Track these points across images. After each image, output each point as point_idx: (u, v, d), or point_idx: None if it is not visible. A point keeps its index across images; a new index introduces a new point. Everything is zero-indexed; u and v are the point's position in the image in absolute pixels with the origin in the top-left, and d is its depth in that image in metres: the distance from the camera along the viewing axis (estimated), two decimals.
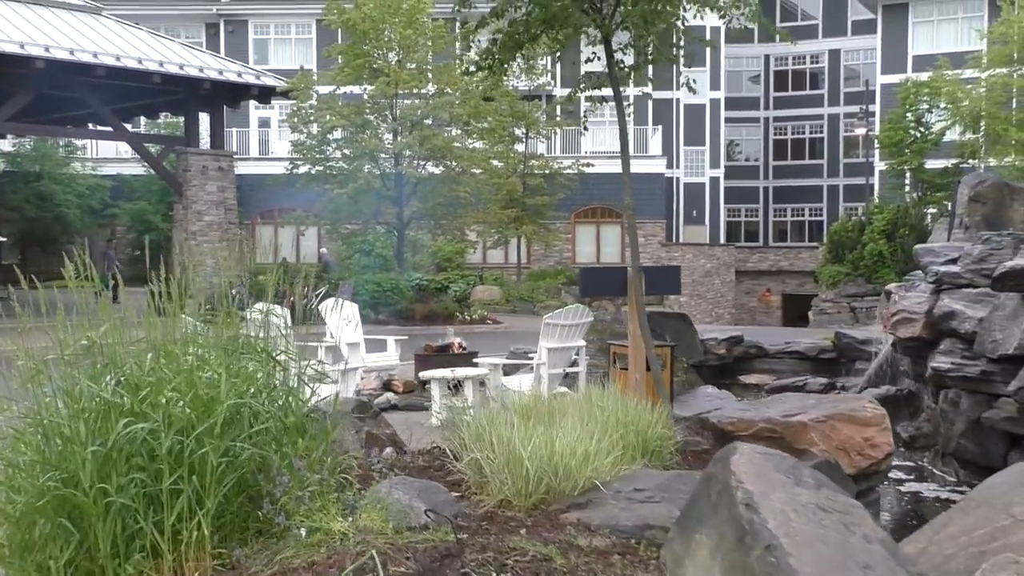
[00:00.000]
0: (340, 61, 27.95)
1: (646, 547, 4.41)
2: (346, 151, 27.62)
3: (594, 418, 6.03)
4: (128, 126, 28.94)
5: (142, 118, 33.94)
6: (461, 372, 9.71)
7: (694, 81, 8.69)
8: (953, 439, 8.46)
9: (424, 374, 9.89)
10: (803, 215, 50.84)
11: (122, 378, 4.45)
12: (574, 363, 10.21)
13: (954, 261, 9.39)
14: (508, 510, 5.07)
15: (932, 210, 35.55)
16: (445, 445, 7.31)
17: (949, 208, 11.34)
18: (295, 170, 28.70)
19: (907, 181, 37.35)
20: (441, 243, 33.92)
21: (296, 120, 28.21)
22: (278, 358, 5.28)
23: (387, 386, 11.52)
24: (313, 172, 28.12)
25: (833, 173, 49.77)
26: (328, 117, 26.91)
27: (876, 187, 42.44)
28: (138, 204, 38.04)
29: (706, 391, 9.54)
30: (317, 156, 28.02)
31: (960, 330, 8.41)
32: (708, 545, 3.66)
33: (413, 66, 27.97)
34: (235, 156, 28.75)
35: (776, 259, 48.99)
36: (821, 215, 50.11)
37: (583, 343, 10.12)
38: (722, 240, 46.20)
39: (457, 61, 28.61)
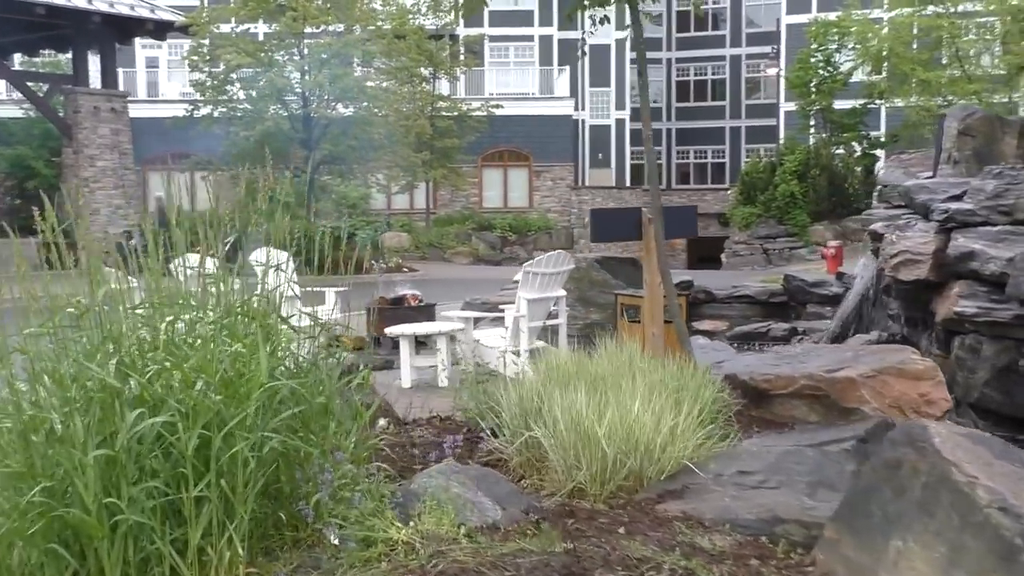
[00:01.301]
0: None
1: (785, 548, 3.63)
2: (251, 91, 26.06)
3: (646, 383, 5.22)
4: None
5: (16, 56, 31.50)
6: (433, 327, 8.80)
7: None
8: (975, 388, 7.92)
9: (392, 330, 8.92)
10: (706, 157, 50.74)
11: (123, 355, 3.43)
12: (552, 315, 9.38)
13: (959, 198, 8.80)
14: (582, 500, 4.24)
15: (840, 150, 35.70)
16: (447, 413, 6.45)
17: (935, 143, 10.77)
18: (195, 112, 27.00)
19: (812, 122, 37.40)
20: (346, 188, 32.62)
21: (196, 58, 26.48)
22: (293, 322, 4.34)
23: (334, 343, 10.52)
24: (216, 114, 26.48)
25: (735, 115, 49.66)
26: (231, 55, 25.27)
27: (782, 128, 42.46)
28: (17, 149, 35.54)
29: (698, 342, 8.84)
30: (220, 97, 26.37)
31: (984, 271, 7.82)
32: (926, 557, 2.88)
33: (320, 1, 26.46)
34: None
35: (681, 201, 48.73)
36: (724, 157, 50.09)
37: (563, 293, 9.29)
38: (627, 183, 45.77)
39: None
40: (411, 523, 3.75)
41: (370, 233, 29.39)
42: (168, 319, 3.68)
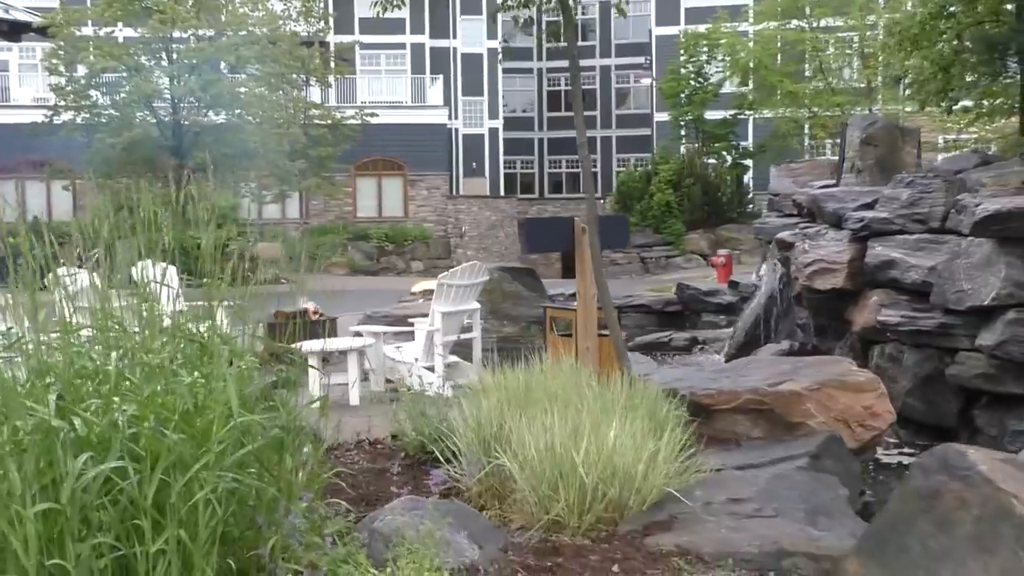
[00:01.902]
0: None
1: None
2: (117, 97, 24.89)
3: (599, 402, 4.94)
4: None
5: None
6: (346, 343, 8.36)
7: (626, 3, 7.34)
8: (896, 398, 7.90)
9: (304, 346, 8.42)
10: (577, 167, 51.00)
11: (64, 389, 2.95)
12: (466, 328, 9.03)
13: (870, 206, 8.84)
14: (561, 533, 3.91)
15: (712, 160, 36.35)
16: (375, 436, 6.04)
17: (839, 151, 10.85)
18: (54, 118, 25.63)
19: (684, 132, 37.98)
20: (218, 197, 31.48)
21: (55, 61, 25.14)
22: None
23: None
24: (79, 120, 25.19)
25: (606, 125, 50.12)
26: (94, 57, 24.08)
27: (654, 138, 43.03)
28: None
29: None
30: (82, 103, 25.10)
31: (904, 280, 7.84)
32: None
33: (190, 4, 25.48)
34: None
35: (555, 211, 48.81)
36: (595, 167, 50.44)
37: (478, 305, 8.96)
38: (502, 192, 45.67)
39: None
40: (387, 568, 3.36)
41: (242, 244, 28.45)
42: (113, 345, 3.21)
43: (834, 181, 13.24)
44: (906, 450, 7.68)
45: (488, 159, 45.80)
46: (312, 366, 8.61)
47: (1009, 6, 16.03)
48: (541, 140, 51.36)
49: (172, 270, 12.48)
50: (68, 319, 3.49)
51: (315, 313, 10.57)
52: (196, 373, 3.16)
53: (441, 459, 4.81)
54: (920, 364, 7.66)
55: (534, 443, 4.10)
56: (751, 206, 35.85)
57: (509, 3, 7.18)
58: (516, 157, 50.29)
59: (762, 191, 38.80)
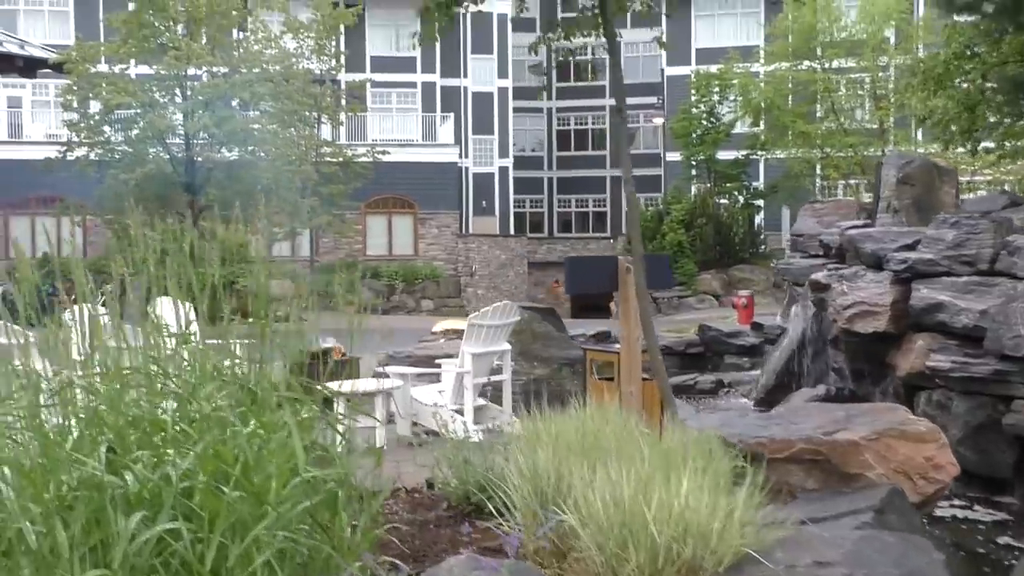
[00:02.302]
0: (124, 32, 25.03)
1: None
2: (131, 133, 24.82)
3: (657, 453, 4.67)
4: None
5: None
6: (373, 384, 8.11)
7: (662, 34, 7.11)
8: None
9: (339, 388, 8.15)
10: (587, 206, 51.01)
11: (115, 440, 2.70)
12: (496, 370, 8.77)
13: (912, 247, 8.59)
14: None
15: (724, 200, 36.22)
16: (403, 481, 5.77)
17: (874, 191, 10.62)
18: (68, 154, 25.55)
19: (694, 172, 37.90)
20: (224, 235, 31.37)
21: (70, 97, 25.09)
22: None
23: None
24: (92, 156, 25.10)
25: (616, 164, 50.07)
26: (109, 94, 24.02)
27: (663, 178, 42.95)
28: None
29: None
30: (96, 138, 25.03)
31: (954, 324, 7.58)
32: None
33: (204, 41, 25.46)
34: None
35: (564, 250, 48.69)
36: (605, 206, 50.45)
37: (508, 346, 8.70)
38: (511, 231, 45.56)
39: (251, 35, 26.38)
40: None
41: (253, 282, 28.26)
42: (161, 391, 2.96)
43: (861, 221, 13.01)
44: (957, 502, 7.38)
45: (498, 198, 45.74)
46: (351, 410, 8.38)
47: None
48: (550, 179, 51.37)
49: (189, 307, 12.27)
50: (112, 362, 3.25)
51: (338, 352, 10.32)
52: (253, 423, 2.90)
53: (485, 511, 4.55)
54: (972, 412, 7.37)
55: (599, 496, 3.83)
56: (763, 247, 35.67)
57: (550, 36, 6.98)
58: (525, 196, 50.24)
59: (774, 231, 38.68)
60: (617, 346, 7.21)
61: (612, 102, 50.29)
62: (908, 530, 5.34)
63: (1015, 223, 8.02)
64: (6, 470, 2.63)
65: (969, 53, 15.88)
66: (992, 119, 15.93)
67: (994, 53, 15.70)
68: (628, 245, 26.91)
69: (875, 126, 34.67)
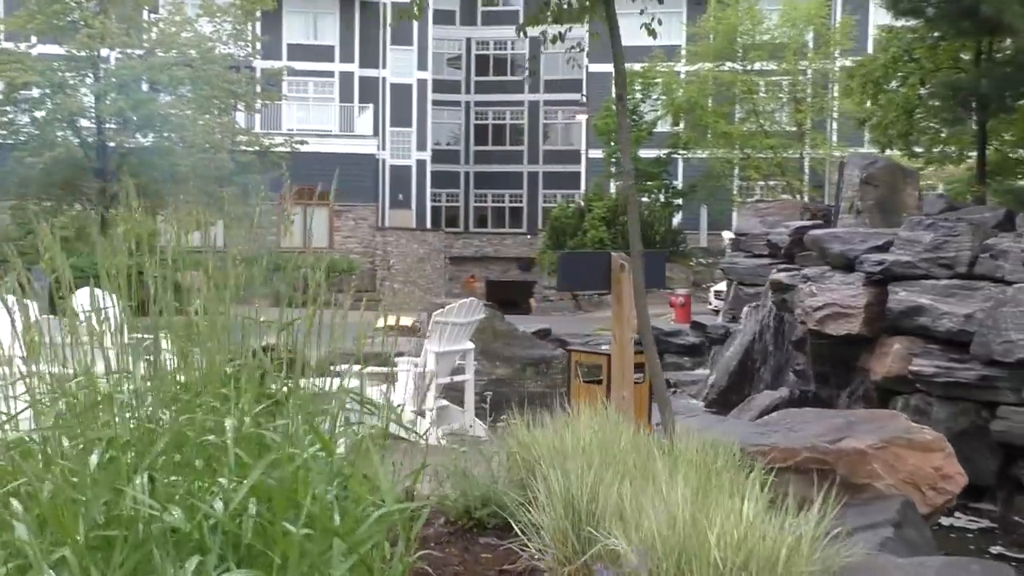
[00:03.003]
0: (31, 6, 23.75)
1: None
2: (38, 114, 23.66)
3: (688, 465, 4.34)
4: None
5: None
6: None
7: (659, 23, 6.80)
8: None
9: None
10: (504, 201, 50.68)
11: (157, 468, 2.24)
12: (458, 369, 8.37)
13: (883, 248, 8.44)
14: None
15: (645, 198, 36.24)
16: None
17: (837, 192, 10.47)
18: None
19: (613, 169, 37.86)
20: (133, 225, 30.23)
21: None
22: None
23: None
24: None
25: (534, 160, 49.93)
26: (14, 72, 22.81)
27: (583, 175, 42.89)
28: None
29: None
30: (1, 120, 23.81)
31: (937, 328, 7.42)
32: None
33: (115, 20, 24.32)
34: None
35: (480, 245, 48.49)
36: (521, 202, 50.19)
37: (472, 345, 8.30)
38: (428, 224, 44.98)
39: (169, 17, 25.38)
40: None
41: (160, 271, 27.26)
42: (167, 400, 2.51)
43: (809, 221, 12.93)
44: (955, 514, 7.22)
45: (415, 191, 45.11)
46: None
47: (965, 55, 16.09)
48: (467, 174, 50.92)
49: (112, 298, 11.62)
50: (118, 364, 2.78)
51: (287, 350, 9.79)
52: (316, 445, 2.47)
53: (489, 527, 4.18)
54: (954, 418, 7.23)
55: (653, 517, 3.47)
56: (684, 246, 35.81)
57: (540, 17, 6.59)
58: (442, 190, 49.67)
59: (692, 230, 38.90)
60: (604, 347, 6.88)
61: (532, 97, 50.25)
62: (923, 544, 5.11)
63: (991, 226, 7.91)
64: (16, 504, 2.14)
65: (907, 58, 15.97)
66: (929, 124, 16.05)
67: (931, 58, 15.83)
68: (549, 241, 26.60)
69: (794, 128, 35.11)
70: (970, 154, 17.49)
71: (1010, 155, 17.97)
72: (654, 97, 36.02)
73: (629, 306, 5.98)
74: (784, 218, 14.20)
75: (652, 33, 6.94)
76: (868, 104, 16.87)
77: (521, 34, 6.92)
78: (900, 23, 16.25)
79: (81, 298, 10.54)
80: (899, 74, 16.06)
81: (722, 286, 25.91)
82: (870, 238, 8.78)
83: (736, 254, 14.42)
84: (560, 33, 6.67)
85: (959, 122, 16.23)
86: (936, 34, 14.87)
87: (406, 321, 14.38)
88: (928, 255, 7.82)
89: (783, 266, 11.47)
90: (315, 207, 38.75)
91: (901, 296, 7.78)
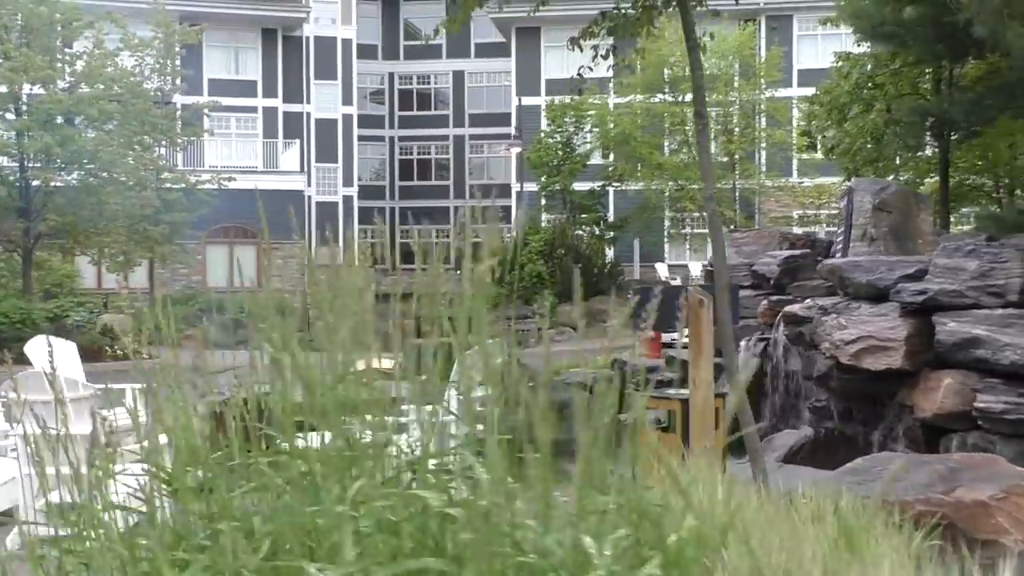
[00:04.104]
0: None
1: None
2: None
3: (855, 529, 3.78)
4: None
5: None
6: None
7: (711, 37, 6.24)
8: None
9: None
10: (430, 237, 49.96)
11: None
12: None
13: (915, 277, 8.04)
14: None
15: (582, 232, 35.97)
16: None
17: (844, 218, 10.09)
18: None
19: (543, 202, 37.61)
20: (51, 265, 28.95)
21: None
22: None
23: None
24: None
25: (460, 195, 49.39)
26: None
27: (513, 209, 42.48)
28: None
29: None
30: None
31: (1000, 361, 7.00)
32: None
33: (38, 52, 23.21)
34: None
35: (411, 282, 47.61)
36: (449, 237, 49.56)
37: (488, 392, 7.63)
38: (355, 262, 44.02)
39: (92, 51, 24.32)
40: None
41: (84, 315, 26.02)
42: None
43: (798, 251, 12.62)
44: None
45: (343, 227, 44.17)
46: None
47: (923, 84, 16.07)
48: (392, 209, 50.18)
49: (70, 345, 10.61)
50: None
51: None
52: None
53: None
54: (1021, 457, 6.80)
55: None
56: (621, 278, 35.54)
57: (593, 29, 6.06)
58: (366, 226, 48.76)
59: (627, 263, 38.67)
60: (676, 391, 6.31)
61: (457, 132, 49.78)
62: None
63: None
64: None
65: (871, 84, 15.87)
66: (894, 150, 15.95)
67: (894, 84, 15.74)
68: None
69: (725, 159, 35.22)
70: (925, 180, 17.49)
71: (965, 182, 18.00)
72: (586, 129, 35.81)
73: (708, 346, 5.43)
74: (761, 248, 13.82)
75: (702, 49, 6.40)
76: (830, 132, 16.73)
77: (576, 47, 6.34)
78: (861, 49, 16.18)
79: (35, 348, 9.48)
80: (862, 100, 15.93)
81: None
82: (898, 266, 8.38)
83: (711, 285, 13.92)
84: (613, 47, 6.15)
85: (921, 148, 16.18)
86: (905, 59, 14.74)
87: (388, 364, 13.64)
88: (975, 283, 7.44)
89: (777, 298, 11.08)
90: (242, 245, 37.74)
91: (952, 328, 7.37)
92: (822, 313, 8.78)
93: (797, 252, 12.35)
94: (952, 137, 15.15)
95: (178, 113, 35.44)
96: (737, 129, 36.06)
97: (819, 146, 19.37)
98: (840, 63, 16.96)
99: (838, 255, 9.99)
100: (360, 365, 8.95)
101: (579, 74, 6.56)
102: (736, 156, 35.33)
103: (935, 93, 15.35)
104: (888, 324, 7.90)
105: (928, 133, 15.13)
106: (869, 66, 16.11)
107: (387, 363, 9.37)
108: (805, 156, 35.06)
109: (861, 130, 15.40)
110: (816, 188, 34.45)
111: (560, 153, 35.45)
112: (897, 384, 7.91)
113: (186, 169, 33.25)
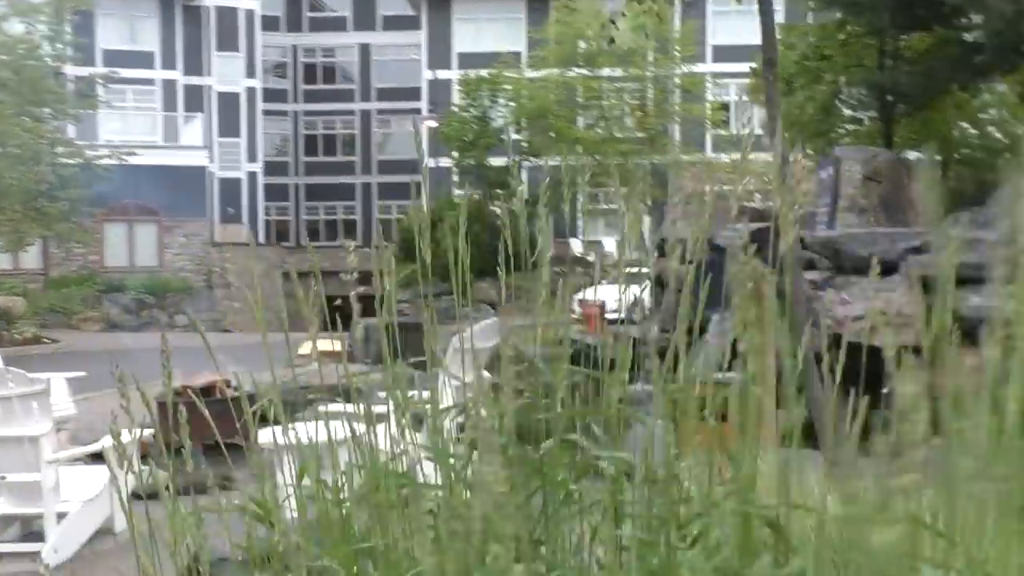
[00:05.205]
0: None
1: None
2: None
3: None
4: None
5: None
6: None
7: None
8: None
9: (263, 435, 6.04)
10: (336, 214, 48.75)
11: None
12: None
13: (923, 250, 7.57)
14: None
15: (497, 208, 35.28)
16: None
17: (831, 190, 9.61)
18: None
19: (455, 178, 36.87)
20: None
21: None
22: None
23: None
24: None
25: (367, 171, 48.25)
26: None
27: (425, 184, 41.49)
28: None
29: None
30: None
31: None
32: None
33: None
34: None
35: (318, 259, 46.29)
36: (355, 214, 48.41)
37: (487, 375, 6.93)
38: (260, 239, 42.62)
39: None
40: None
41: None
42: None
43: (759, 224, 12.11)
44: None
45: (246, 204, 42.70)
46: None
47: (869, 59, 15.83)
48: (297, 186, 48.74)
49: None
50: None
51: (223, 385, 8.06)
52: None
53: None
54: None
55: None
56: (541, 253, 35.03)
57: None
58: (271, 203, 47.26)
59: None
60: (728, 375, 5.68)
61: (364, 106, 48.51)
62: None
63: None
64: None
65: (818, 56, 15.55)
66: (846, 115, 15.71)
67: (843, 56, 15.45)
68: (400, 253, 25.63)
69: (642, 134, 34.94)
70: None
71: (904, 155, 17.88)
72: (501, 103, 35.11)
73: (770, 327, 4.81)
74: (716, 221, 13.29)
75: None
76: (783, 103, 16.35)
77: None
78: (809, 20, 15.83)
79: None
80: (809, 72, 15.59)
81: (588, 294, 25.22)
82: (899, 238, 7.93)
83: (662, 260, 13.41)
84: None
85: (868, 121, 15.96)
86: (853, 30, 14.42)
87: (325, 345, 12.75)
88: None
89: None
90: (142, 223, 36.11)
91: (975, 303, 6.89)
92: (815, 288, 8.28)
93: (763, 225, 11.85)
94: (896, 109, 14.92)
95: (70, 85, 33.67)
96: (651, 104, 35.81)
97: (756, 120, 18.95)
98: (787, 35, 16.60)
99: (821, 227, 9.50)
100: (305, 348, 7.89)
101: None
102: (652, 131, 35.06)
103: (879, 67, 15.09)
104: (898, 299, 7.42)
105: (880, 104, 14.86)
106: (814, 39, 15.77)
107: (335, 344, 8.11)
108: (723, 132, 35.01)
109: (809, 101, 15.03)
110: (732, 164, 34.42)
111: (475, 128, 34.67)
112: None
113: (83, 144, 31.54)
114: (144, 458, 7.09)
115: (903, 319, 7.14)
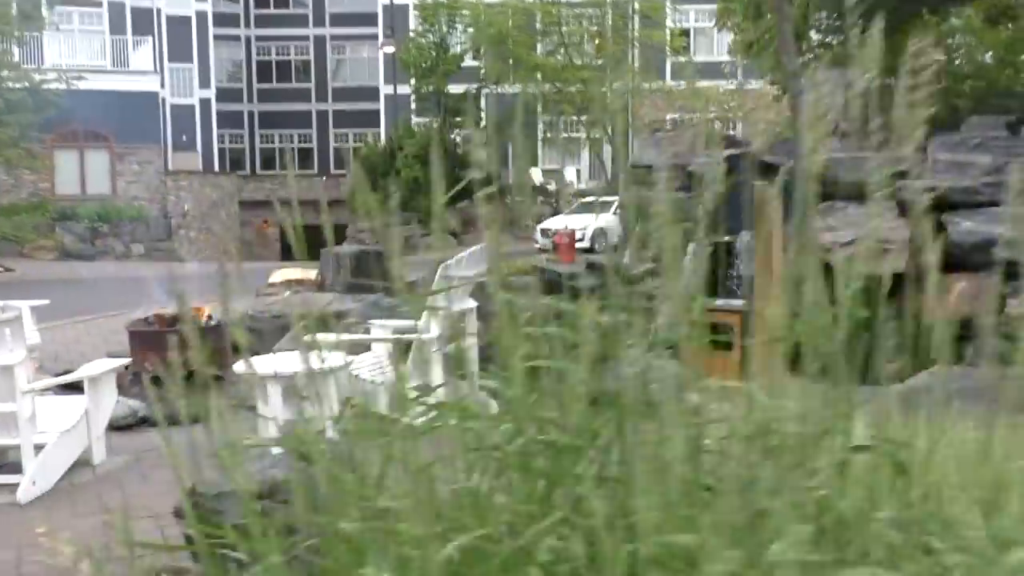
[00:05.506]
0: None
1: None
2: None
3: None
4: None
5: None
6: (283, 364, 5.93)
7: None
8: None
9: (261, 369, 5.85)
10: (292, 142, 47.92)
11: None
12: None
13: (904, 175, 7.46)
14: None
15: (457, 135, 34.87)
16: None
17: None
18: None
19: (415, 105, 36.36)
20: None
21: None
22: None
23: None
24: None
25: (322, 98, 47.37)
26: None
27: (382, 113, 41.01)
28: None
29: None
30: None
31: None
32: None
33: None
34: None
35: (273, 188, 45.55)
36: (311, 142, 47.64)
37: (474, 304, 6.83)
38: (215, 167, 41.84)
39: None
40: None
41: None
42: None
43: (731, 151, 11.98)
44: None
45: (200, 132, 41.78)
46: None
47: None
48: (251, 113, 47.77)
49: None
50: None
51: (200, 314, 7.88)
52: None
53: None
54: None
55: None
56: (499, 182, 34.77)
57: None
58: (225, 131, 46.28)
59: (502, 167, 37.75)
60: (734, 302, 5.58)
61: (317, 32, 47.48)
62: None
63: None
64: None
65: None
66: (815, 40, 15.56)
67: None
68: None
69: (600, 61, 34.58)
70: None
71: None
72: (460, 29, 34.51)
73: (778, 248, 4.70)
74: (677, 145, 13.26)
75: None
76: (748, 29, 16.13)
77: None
78: None
79: None
80: None
81: (551, 223, 25.04)
82: (885, 163, 7.83)
83: (639, 188, 13.26)
84: None
85: (837, 44, 15.79)
86: None
87: (296, 274, 12.58)
88: (990, 180, 6.94)
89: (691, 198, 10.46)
90: (93, 149, 35.26)
91: (967, 227, 6.85)
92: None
93: (738, 151, 11.76)
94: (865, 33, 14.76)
95: (14, 5, 32.53)
96: (610, 32, 35.42)
97: (734, 45, 18.69)
98: None
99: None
100: (277, 276, 7.76)
101: None
102: (610, 58, 34.71)
103: None
104: (888, 225, 7.35)
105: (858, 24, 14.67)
106: None
107: (306, 273, 8.03)
108: (683, 59, 34.76)
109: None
110: (692, 92, 34.23)
111: (433, 54, 34.08)
112: (898, 289, 7.39)
113: (30, 68, 30.59)
114: (119, 388, 6.84)
115: (892, 245, 7.09)
